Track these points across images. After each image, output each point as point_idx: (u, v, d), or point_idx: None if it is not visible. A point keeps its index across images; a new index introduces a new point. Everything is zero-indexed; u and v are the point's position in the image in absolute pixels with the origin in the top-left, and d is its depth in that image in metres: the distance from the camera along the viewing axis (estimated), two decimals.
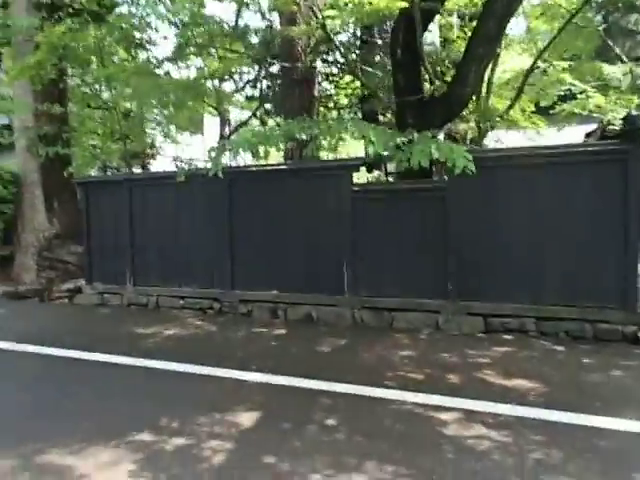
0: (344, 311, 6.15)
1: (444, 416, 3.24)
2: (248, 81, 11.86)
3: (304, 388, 3.81)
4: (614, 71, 9.01)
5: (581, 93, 7.93)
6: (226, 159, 5.80)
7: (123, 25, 7.99)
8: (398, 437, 2.96)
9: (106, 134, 10.36)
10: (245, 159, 9.29)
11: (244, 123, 12.01)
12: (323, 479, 2.52)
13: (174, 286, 7.14)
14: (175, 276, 7.13)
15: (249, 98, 11.82)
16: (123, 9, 10.08)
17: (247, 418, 3.26)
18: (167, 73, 10.32)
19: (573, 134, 12.90)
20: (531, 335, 5.24)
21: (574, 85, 7.91)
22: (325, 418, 3.24)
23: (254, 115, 11.82)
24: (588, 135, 13.49)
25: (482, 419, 3.18)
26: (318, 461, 2.68)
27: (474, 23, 7.34)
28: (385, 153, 4.82)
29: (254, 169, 6.80)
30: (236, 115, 12.65)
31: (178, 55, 9.10)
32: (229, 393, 3.76)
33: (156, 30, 8.85)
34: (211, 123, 15.42)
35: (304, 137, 4.95)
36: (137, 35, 9.52)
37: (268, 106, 11.61)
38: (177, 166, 10.36)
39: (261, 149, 4.79)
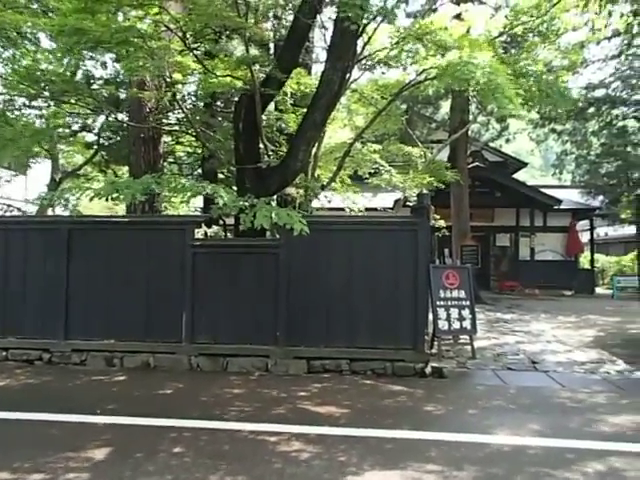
0: (181, 358, 6.54)
1: (273, 438, 3.96)
2: (85, 127, 11.80)
3: (150, 425, 4.22)
4: (412, 152, 11.13)
5: (387, 172, 9.76)
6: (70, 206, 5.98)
7: None
8: (236, 457, 3.60)
9: None
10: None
11: (79, 169, 11.82)
12: None
13: None
14: None
15: (88, 145, 11.73)
16: None
17: (100, 453, 3.60)
18: None
19: (386, 198, 15.25)
20: (345, 374, 6.25)
21: (382, 165, 9.72)
22: (172, 448, 3.73)
23: (90, 162, 11.72)
24: (396, 202, 16.00)
25: (303, 438, 3.97)
26: (169, 478, 3.18)
27: (304, 103, 8.66)
28: (233, 212, 5.59)
29: (97, 219, 7.00)
30: (71, 160, 12.34)
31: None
32: (77, 435, 4.00)
33: None
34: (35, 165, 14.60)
35: (157, 191, 5.49)
36: None
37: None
38: (1, 209, 9.79)
39: (121, 196, 5.20)
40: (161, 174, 7.28)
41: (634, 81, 17.90)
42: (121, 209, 8.72)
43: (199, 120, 9.63)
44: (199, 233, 8.32)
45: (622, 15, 11.80)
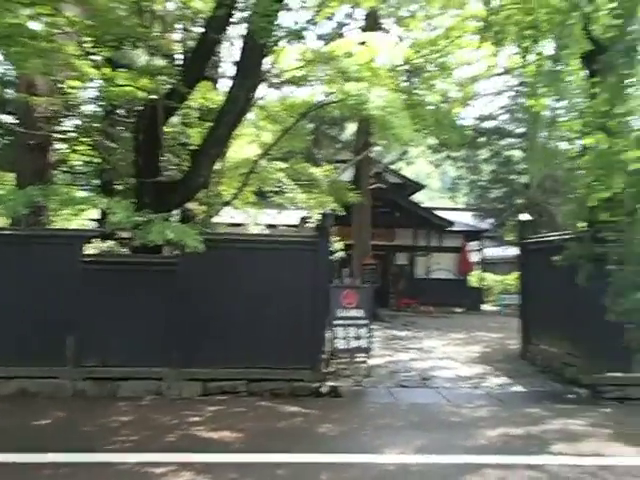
0: (65, 383, 6.08)
1: (159, 470, 3.79)
2: None
3: (21, 463, 3.87)
4: (316, 172, 11.31)
5: (291, 190, 9.87)
6: None
7: None
8: None
9: None
10: None
11: None
12: None
13: None
14: None
15: None
16: None
17: None
18: None
19: (292, 216, 15.33)
20: (242, 395, 6.15)
21: (286, 184, 9.81)
22: None
23: None
24: (303, 219, 16.16)
25: (192, 468, 3.84)
26: None
27: (210, 117, 8.51)
28: (127, 226, 5.34)
29: None
30: None
31: None
32: None
33: None
34: None
35: (44, 204, 5.11)
36: None
37: None
38: None
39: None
40: (49, 184, 6.80)
41: (519, 115, 19.64)
42: (3, 220, 7.96)
43: (97, 129, 9.14)
44: (92, 248, 7.84)
45: (509, 56, 13.00)
